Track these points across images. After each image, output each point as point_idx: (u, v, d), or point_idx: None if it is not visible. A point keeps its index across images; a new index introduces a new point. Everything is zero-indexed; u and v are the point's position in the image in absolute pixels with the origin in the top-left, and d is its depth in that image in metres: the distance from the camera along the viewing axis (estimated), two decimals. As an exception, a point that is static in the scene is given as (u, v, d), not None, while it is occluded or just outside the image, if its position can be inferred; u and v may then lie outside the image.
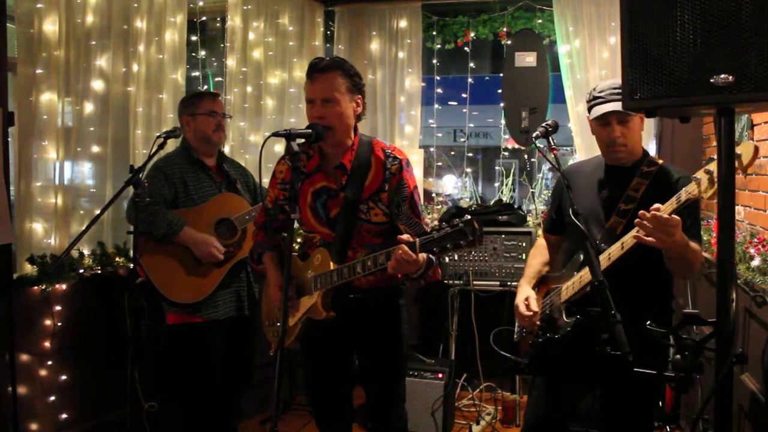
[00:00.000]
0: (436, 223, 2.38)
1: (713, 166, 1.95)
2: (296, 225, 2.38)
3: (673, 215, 2.06)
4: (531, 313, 2.52)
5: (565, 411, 2.58)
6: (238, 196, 3.28)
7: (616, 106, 2.31)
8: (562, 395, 2.55)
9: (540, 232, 4.40)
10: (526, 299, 2.56)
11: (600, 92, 2.41)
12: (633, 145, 2.41)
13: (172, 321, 3.16)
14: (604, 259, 2.28)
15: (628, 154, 2.42)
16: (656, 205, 2.09)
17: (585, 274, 2.34)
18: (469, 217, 2.07)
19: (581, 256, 2.43)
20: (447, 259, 4.31)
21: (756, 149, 1.89)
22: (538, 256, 2.77)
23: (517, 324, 2.69)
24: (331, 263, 2.38)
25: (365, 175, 2.44)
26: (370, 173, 2.44)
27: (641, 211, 2.09)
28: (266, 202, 2.65)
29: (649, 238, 2.09)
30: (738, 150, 1.89)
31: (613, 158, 2.46)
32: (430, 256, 2.30)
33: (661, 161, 2.42)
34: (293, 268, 2.50)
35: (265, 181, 2.76)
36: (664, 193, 2.16)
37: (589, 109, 2.46)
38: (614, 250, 2.27)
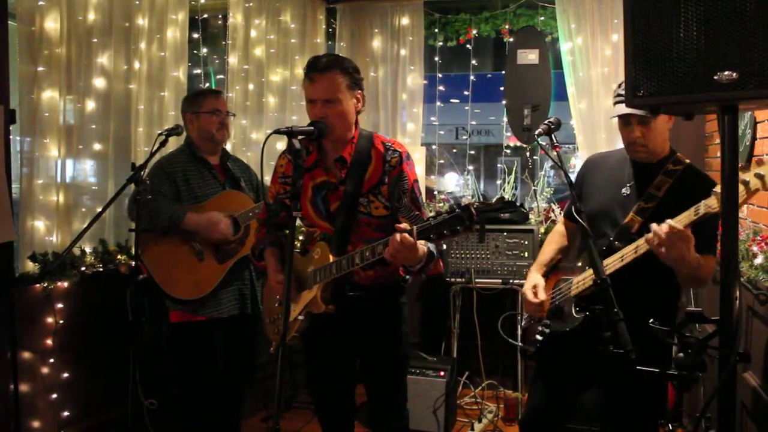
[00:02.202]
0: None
1: None
2: (298, 222, 2.37)
3: (686, 229, 2.04)
4: (538, 301, 2.51)
5: (565, 405, 2.58)
6: (242, 193, 3.28)
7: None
8: (562, 389, 2.55)
9: (543, 229, 4.43)
10: (534, 287, 2.55)
11: (624, 90, 2.37)
12: (654, 145, 2.35)
13: (176, 319, 3.16)
14: (617, 260, 2.26)
15: (648, 153, 2.37)
16: (668, 222, 2.06)
17: None
18: (465, 203, 2.07)
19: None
20: (449, 258, 4.31)
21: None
22: (553, 243, 2.74)
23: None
24: (331, 256, 2.38)
25: (365, 168, 2.44)
26: (369, 167, 2.44)
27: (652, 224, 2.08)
28: (267, 198, 2.66)
29: (661, 249, 2.07)
30: (761, 170, 1.85)
31: (633, 156, 2.43)
32: (431, 249, 2.30)
33: (688, 161, 2.37)
34: (294, 264, 2.49)
35: (267, 179, 2.75)
36: (687, 195, 2.10)
37: (614, 104, 2.42)
38: (628, 253, 2.24)
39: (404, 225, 2.18)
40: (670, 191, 2.31)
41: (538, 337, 2.55)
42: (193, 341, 3.18)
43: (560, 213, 4.53)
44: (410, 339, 2.63)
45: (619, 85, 2.39)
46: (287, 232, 2.70)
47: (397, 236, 2.13)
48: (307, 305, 2.45)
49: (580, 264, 2.50)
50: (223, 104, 3.29)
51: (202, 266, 3.15)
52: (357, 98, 2.43)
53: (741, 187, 1.92)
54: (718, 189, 1.96)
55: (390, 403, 2.60)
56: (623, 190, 2.43)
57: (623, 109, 2.29)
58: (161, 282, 3.11)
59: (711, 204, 2.00)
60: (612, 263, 2.26)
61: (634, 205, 2.36)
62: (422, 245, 2.24)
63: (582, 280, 2.41)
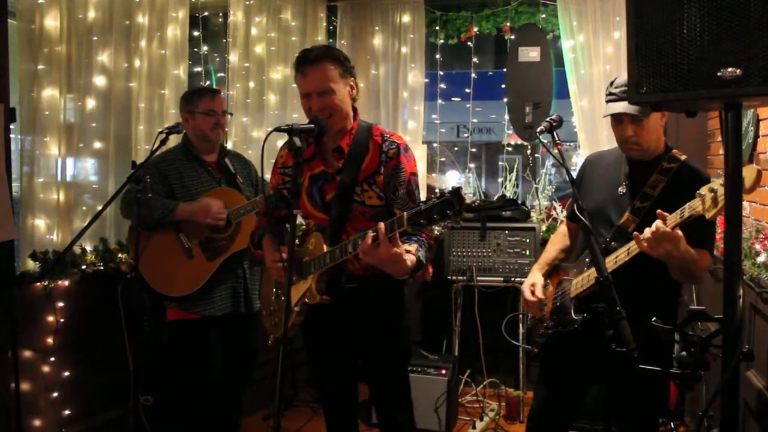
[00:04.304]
0: None
1: (717, 184, 1.90)
2: (299, 219, 2.36)
3: (676, 230, 2.03)
4: (535, 299, 2.51)
5: (570, 404, 2.57)
6: (234, 190, 3.27)
7: (626, 107, 2.25)
8: (567, 389, 2.54)
9: (544, 227, 4.42)
10: (532, 285, 2.55)
11: (615, 88, 2.33)
12: (648, 143, 2.33)
13: (172, 317, 3.18)
14: (611, 262, 2.24)
15: (641, 151, 2.35)
16: (660, 216, 2.06)
17: (594, 272, 2.31)
18: (454, 188, 2.04)
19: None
20: (451, 256, 4.30)
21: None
22: (556, 243, 2.74)
23: None
24: (325, 246, 2.38)
25: (362, 158, 2.43)
26: (367, 157, 2.43)
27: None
28: (268, 190, 2.65)
29: (648, 249, 2.07)
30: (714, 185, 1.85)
31: (627, 154, 2.42)
32: (421, 258, 2.27)
33: (684, 157, 2.35)
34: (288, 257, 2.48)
35: (267, 176, 2.75)
36: (682, 193, 2.07)
37: (606, 102, 2.39)
38: (621, 255, 2.24)
39: (381, 225, 2.12)
40: (666, 190, 2.29)
41: (540, 338, 2.54)
42: (189, 339, 3.18)
43: (562, 211, 4.53)
44: (410, 333, 2.62)
45: (611, 83, 2.38)
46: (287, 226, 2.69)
47: (368, 240, 2.11)
48: (303, 296, 2.44)
49: (579, 263, 2.49)
50: (220, 104, 3.26)
51: (192, 263, 3.14)
52: (350, 86, 2.43)
53: (709, 194, 1.93)
54: (702, 191, 1.95)
55: (393, 397, 2.59)
56: (619, 189, 2.42)
57: (615, 107, 2.28)
58: (150, 279, 3.11)
59: (695, 206, 1.99)
60: (606, 265, 2.25)
61: (629, 204, 2.35)
62: (411, 254, 2.21)
63: (581, 281, 2.40)
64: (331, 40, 5.13)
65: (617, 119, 2.33)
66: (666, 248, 2.05)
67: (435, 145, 5.22)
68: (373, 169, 2.43)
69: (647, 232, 2.07)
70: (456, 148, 5.70)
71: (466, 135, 5.48)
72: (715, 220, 2.32)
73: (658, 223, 2.04)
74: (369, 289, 2.46)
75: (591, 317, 2.29)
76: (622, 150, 2.43)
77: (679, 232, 2.05)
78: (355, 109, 2.50)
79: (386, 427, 2.62)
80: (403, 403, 2.60)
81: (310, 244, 2.45)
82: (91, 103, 3.50)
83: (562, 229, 2.79)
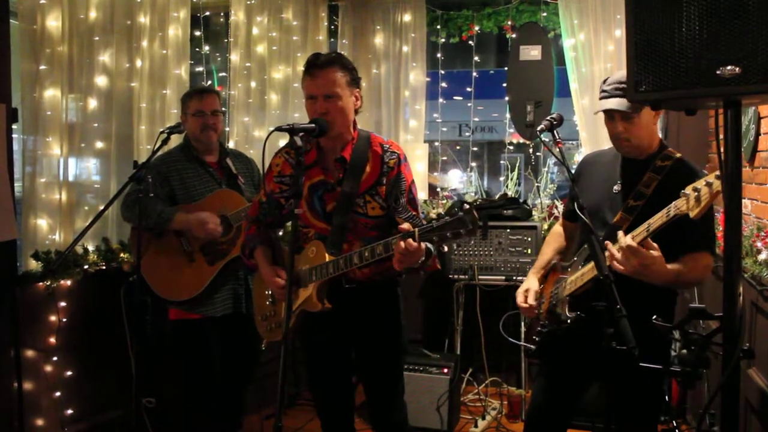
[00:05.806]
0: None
1: (702, 183, 1.91)
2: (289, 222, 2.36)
3: (651, 251, 2.04)
4: (527, 306, 2.54)
5: (567, 401, 2.57)
6: (235, 192, 3.26)
7: (616, 103, 2.27)
8: (563, 386, 2.54)
9: (546, 225, 4.42)
10: (525, 291, 2.57)
11: (607, 86, 2.35)
12: (639, 140, 2.34)
13: (174, 317, 3.19)
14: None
15: (633, 148, 2.36)
16: (622, 234, 2.06)
17: (587, 270, 2.31)
18: (468, 206, 2.05)
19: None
20: (452, 255, 4.30)
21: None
22: (551, 243, 2.75)
23: None
24: (327, 255, 2.38)
25: (362, 169, 2.45)
26: (367, 167, 2.45)
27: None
28: (260, 196, 2.65)
29: (620, 267, 2.09)
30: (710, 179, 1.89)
31: (619, 151, 2.43)
32: (428, 245, 2.29)
33: (678, 155, 2.35)
34: (287, 261, 2.49)
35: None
36: (676, 192, 2.05)
37: (600, 99, 2.41)
38: (606, 257, 2.23)
39: (406, 226, 2.17)
40: (659, 188, 2.29)
41: (537, 337, 2.55)
42: (190, 339, 3.19)
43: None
44: (406, 331, 2.63)
45: (604, 81, 2.39)
46: (279, 232, 2.70)
47: (402, 244, 2.13)
48: (302, 304, 2.44)
49: (576, 262, 2.49)
50: (209, 104, 3.22)
51: (193, 267, 3.15)
52: (356, 96, 2.45)
53: (693, 193, 1.93)
54: (687, 190, 1.95)
55: (388, 396, 2.60)
56: (614, 188, 2.42)
57: (605, 104, 2.31)
58: (152, 283, 3.11)
59: (680, 206, 1.98)
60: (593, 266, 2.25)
61: (623, 202, 2.35)
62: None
63: (574, 279, 2.40)
64: (332, 40, 5.14)
65: (609, 116, 2.35)
66: (633, 265, 2.07)
67: (437, 144, 5.22)
68: (373, 180, 2.45)
69: (615, 247, 2.09)
70: (458, 147, 5.71)
71: (467, 134, 5.49)
72: (714, 219, 2.32)
73: (626, 239, 2.06)
74: (366, 288, 2.47)
75: (585, 315, 2.30)
76: (614, 146, 2.44)
77: (654, 253, 2.06)
78: (354, 120, 2.51)
79: (380, 427, 2.63)
80: (397, 404, 2.61)
81: (311, 252, 2.45)
82: (92, 103, 3.50)
83: (557, 229, 2.79)
